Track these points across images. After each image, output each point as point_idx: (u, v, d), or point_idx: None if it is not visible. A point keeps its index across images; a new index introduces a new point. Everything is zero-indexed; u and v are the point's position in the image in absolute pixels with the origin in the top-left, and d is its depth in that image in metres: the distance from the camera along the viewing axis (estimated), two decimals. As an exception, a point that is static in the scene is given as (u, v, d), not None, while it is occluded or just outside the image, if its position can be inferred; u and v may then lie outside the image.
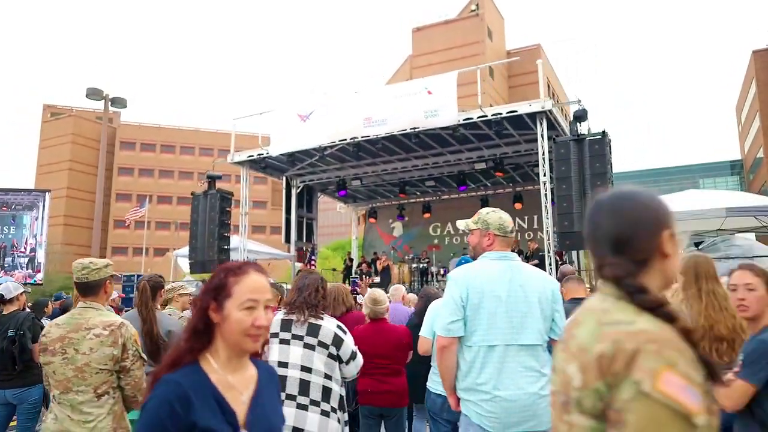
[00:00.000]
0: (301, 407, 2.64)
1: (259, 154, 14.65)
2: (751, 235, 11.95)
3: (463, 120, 12.36)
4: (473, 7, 61.98)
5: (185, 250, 15.46)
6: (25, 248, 12.77)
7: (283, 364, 2.71)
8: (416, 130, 12.61)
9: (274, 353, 2.74)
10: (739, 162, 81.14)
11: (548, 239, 11.59)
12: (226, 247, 14.55)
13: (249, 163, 15.17)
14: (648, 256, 1.18)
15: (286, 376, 2.68)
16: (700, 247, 11.07)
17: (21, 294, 4.79)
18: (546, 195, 11.74)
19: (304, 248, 17.09)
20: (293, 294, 2.88)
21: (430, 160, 15.60)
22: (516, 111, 12.08)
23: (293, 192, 16.97)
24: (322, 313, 2.85)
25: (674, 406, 0.94)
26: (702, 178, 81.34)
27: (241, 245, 15.07)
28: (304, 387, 2.67)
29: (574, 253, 14.09)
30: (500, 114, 12.19)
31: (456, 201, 18.86)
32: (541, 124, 11.99)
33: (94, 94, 14.25)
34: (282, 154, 14.27)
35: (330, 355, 2.75)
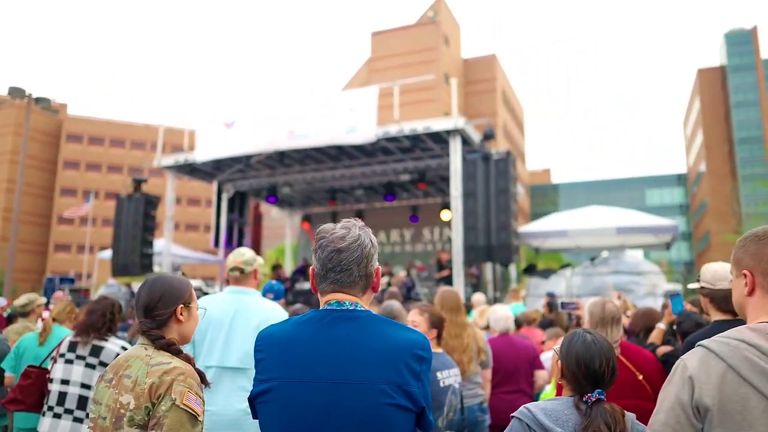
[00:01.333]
0: (77, 420, 2.97)
1: (185, 160, 14.74)
2: (639, 252, 12.78)
3: (382, 134, 12.79)
4: (431, 14, 62.94)
5: (109, 252, 15.42)
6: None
7: (66, 382, 3.03)
8: (336, 143, 12.98)
9: (59, 372, 3.06)
10: (684, 175, 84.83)
11: (457, 252, 12.12)
12: (148, 251, 14.60)
13: (176, 168, 15.23)
14: (166, 319, 1.90)
15: (66, 393, 3.00)
16: (593, 262, 11.83)
17: None
18: (456, 209, 12.26)
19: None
20: (84, 317, 3.20)
21: (358, 170, 15.98)
22: (430, 127, 12.59)
23: (224, 197, 17.09)
24: (108, 336, 3.18)
25: (190, 411, 1.72)
26: (649, 189, 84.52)
27: (166, 249, 15.13)
28: (82, 402, 3.00)
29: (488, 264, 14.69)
30: (416, 130, 12.68)
31: (388, 209, 19.32)
32: (454, 140, 12.53)
33: (15, 92, 14.07)
34: (208, 161, 14.41)
35: None
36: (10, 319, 7.88)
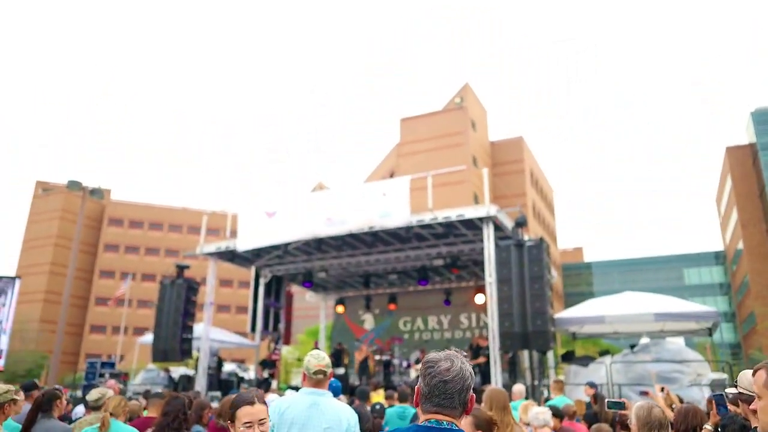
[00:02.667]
0: None
1: (227, 247, 15.35)
2: (681, 339, 12.54)
3: (416, 222, 13.23)
4: (458, 100, 65.41)
5: (150, 337, 15.81)
6: (-11, 334, 13.14)
7: None
8: (372, 229, 13.45)
9: (139, 468, 3.31)
10: (722, 252, 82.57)
11: (493, 338, 12.10)
12: (188, 336, 14.94)
13: (217, 254, 15.84)
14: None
15: None
16: (634, 350, 11.64)
17: None
18: (491, 295, 12.35)
19: (269, 339, 17.50)
20: (160, 417, 3.50)
21: (392, 255, 16.33)
22: (464, 215, 12.97)
23: (261, 282, 17.53)
24: None
25: None
26: (687, 268, 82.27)
27: (205, 334, 15.43)
28: None
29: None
30: (449, 217, 13.08)
31: (422, 293, 19.46)
32: (487, 227, 12.83)
33: (74, 185, 15.14)
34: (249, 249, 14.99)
35: None
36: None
